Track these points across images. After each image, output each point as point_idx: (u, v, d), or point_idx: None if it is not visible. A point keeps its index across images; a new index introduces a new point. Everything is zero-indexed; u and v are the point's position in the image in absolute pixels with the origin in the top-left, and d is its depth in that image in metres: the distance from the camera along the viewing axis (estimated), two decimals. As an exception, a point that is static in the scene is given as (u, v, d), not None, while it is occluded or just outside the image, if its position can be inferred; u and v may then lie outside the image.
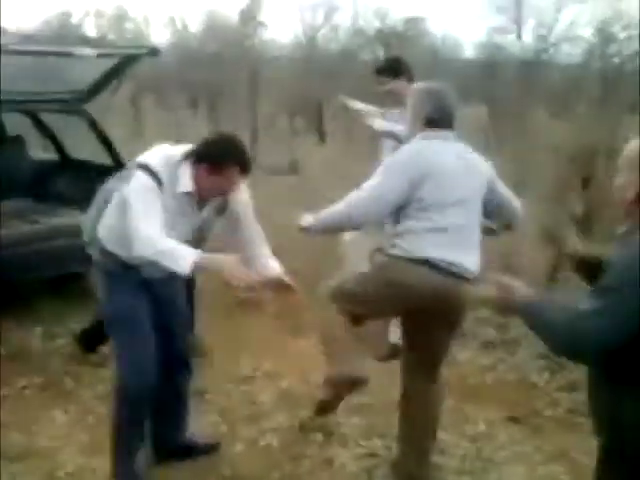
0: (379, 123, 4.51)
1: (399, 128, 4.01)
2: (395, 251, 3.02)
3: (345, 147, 16.23)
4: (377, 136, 4.68)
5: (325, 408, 3.25)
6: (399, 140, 3.97)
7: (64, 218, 5.53)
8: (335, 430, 3.75)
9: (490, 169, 3.19)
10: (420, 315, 3.09)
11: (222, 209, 3.09)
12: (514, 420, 3.92)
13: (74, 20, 22.31)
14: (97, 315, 4.01)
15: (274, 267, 3.06)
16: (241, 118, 17.57)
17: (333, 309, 3.08)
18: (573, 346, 1.96)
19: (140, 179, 2.86)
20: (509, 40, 21.69)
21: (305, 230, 3.21)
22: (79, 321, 4.89)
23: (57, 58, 5.31)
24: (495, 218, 3.26)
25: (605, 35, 20.17)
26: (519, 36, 20.88)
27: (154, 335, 3.12)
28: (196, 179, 2.91)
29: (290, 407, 3.97)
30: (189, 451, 3.44)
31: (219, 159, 2.87)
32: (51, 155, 6.41)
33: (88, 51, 5.09)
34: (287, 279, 3.00)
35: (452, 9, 36.80)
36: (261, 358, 4.58)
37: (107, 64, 5.61)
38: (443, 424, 3.41)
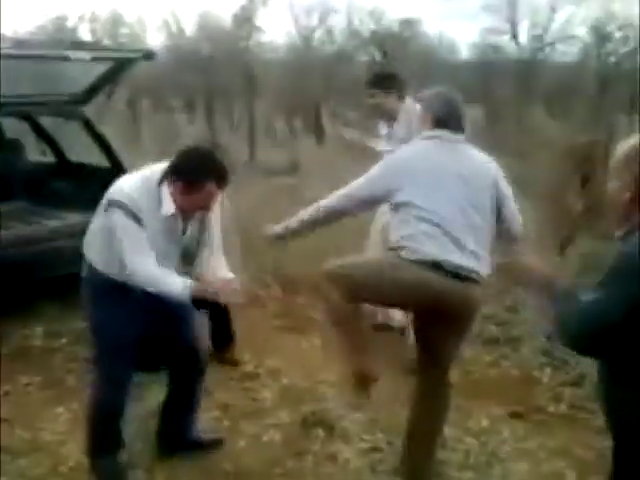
0: (380, 144, 4.60)
1: (398, 145, 4.02)
2: (400, 253, 3.00)
3: (343, 147, 16.28)
4: (380, 156, 4.72)
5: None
6: None
7: (62, 220, 5.53)
8: (337, 425, 3.75)
9: (495, 169, 3.17)
10: (429, 318, 3.10)
11: (203, 226, 3.07)
12: (517, 416, 3.92)
13: (69, 24, 22.29)
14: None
15: (226, 274, 3.05)
16: (238, 120, 17.61)
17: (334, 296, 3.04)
18: (576, 334, 1.99)
19: (117, 219, 2.85)
20: (504, 40, 21.70)
21: (276, 236, 3.31)
22: (80, 320, 4.89)
23: (53, 62, 5.30)
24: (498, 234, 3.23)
25: (601, 35, 20.24)
26: (514, 36, 20.88)
27: (133, 355, 3.17)
28: (175, 198, 2.87)
29: (292, 403, 3.97)
30: (193, 447, 3.45)
31: (195, 177, 2.82)
32: (49, 158, 6.41)
33: (84, 55, 5.10)
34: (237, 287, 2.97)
35: (446, 10, 36.88)
36: (263, 355, 4.58)
37: (102, 68, 5.62)
38: (446, 419, 3.40)
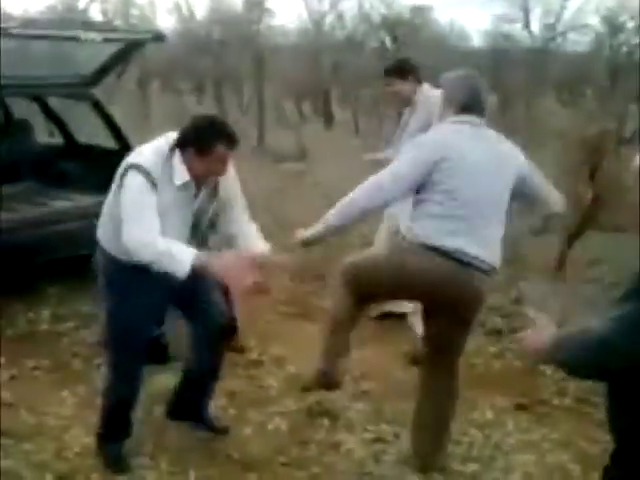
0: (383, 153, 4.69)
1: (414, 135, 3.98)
2: (409, 235, 3.01)
3: (352, 133, 16.24)
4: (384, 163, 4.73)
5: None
6: None
7: (70, 201, 5.53)
8: (342, 415, 3.75)
9: (522, 160, 3.13)
10: (435, 307, 3.09)
11: (214, 193, 3.06)
12: (521, 408, 3.92)
13: (80, 4, 22.22)
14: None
15: (261, 246, 3.08)
16: (247, 104, 17.58)
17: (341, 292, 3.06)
18: (600, 361, 1.85)
19: (132, 180, 2.84)
20: (516, 28, 21.55)
21: (308, 241, 3.18)
22: (86, 304, 4.91)
23: (63, 42, 5.28)
24: (532, 211, 3.24)
25: (613, 25, 20.08)
26: (526, 24, 20.73)
27: (146, 344, 3.21)
28: (188, 166, 2.89)
29: (298, 391, 3.96)
30: (202, 426, 3.47)
31: (206, 141, 2.86)
32: (57, 139, 6.40)
33: (94, 35, 5.07)
34: (275, 258, 3.06)
35: (458, -3, 36.58)
36: (269, 343, 4.59)
37: (113, 49, 5.60)
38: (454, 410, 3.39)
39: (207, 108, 18.06)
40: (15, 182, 5.77)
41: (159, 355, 4.12)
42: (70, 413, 3.72)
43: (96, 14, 22.73)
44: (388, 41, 21.38)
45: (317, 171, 9.75)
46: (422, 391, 3.27)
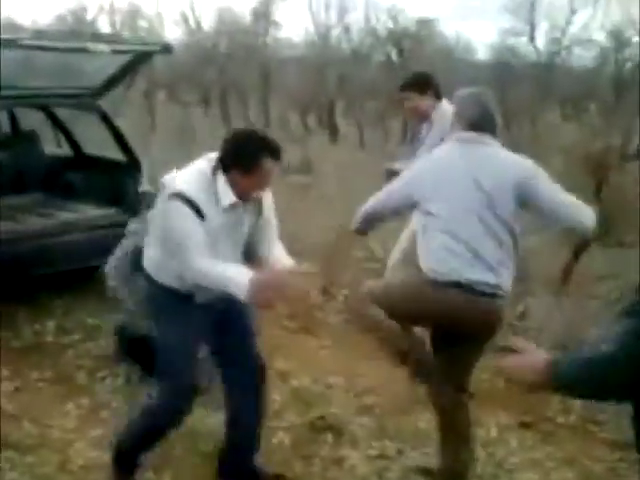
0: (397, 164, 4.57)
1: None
2: (426, 272, 3.00)
3: (357, 146, 16.27)
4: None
5: None
6: None
7: (77, 213, 5.55)
8: (346, 430, 3.75)
9: (526, 173, 3.04)
10: (452, 335, 3.08)
11: (259, 209, 2.97)
12: (526, 426, 3.91)
13: (88, 16, 22.38)
14: None
15: (287, 261, 2.99)
16: (252, 116, 17.64)
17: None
18: (604, 379, 1.82)
19: (176, 210, 2.75)
20: (521, 42, 21.61)
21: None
22: (92, 316, 4.92)
23: (71, 54, 5.31)
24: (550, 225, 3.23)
25: (619, 40, 20.13)
26: (532, 38, 20.80)
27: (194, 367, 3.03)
28: (234, 186, 2.80)
29: (302, 406, 3.97)
30: (256, 478, 3.27)
31: (250, 158, 2.77)
32: (64, 150, 6.43)
33: (102, 47, 5.09)
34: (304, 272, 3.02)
35: (463, 10, 36.74)
36: (273, 357, 4.57)
37: (120, 60, 5.62)
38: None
39: (213, 120, 18.12)
40: (21, 193, 5.79)
41: None
42: (74, 426, 3.72)
43: (104, 25, 22.88)
44: (394, 54, 21.47)
45: (322, 184, 9.77)
46: (445, 411, 3.24)
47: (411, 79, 4.57)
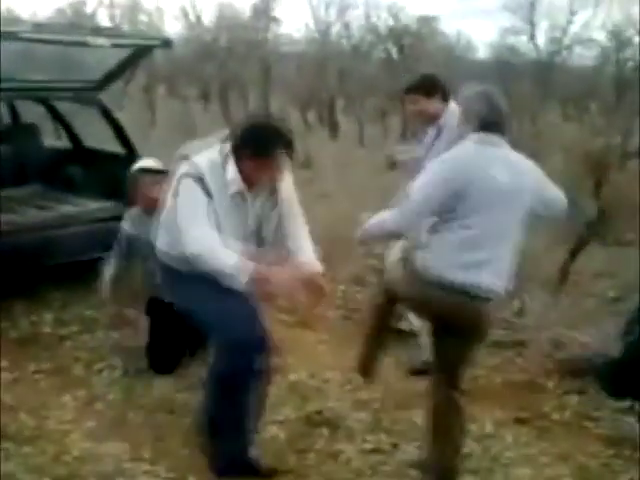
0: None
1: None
2: (425, 267, 2.97)
3: (357, 142, 16.27)
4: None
5: None
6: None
7: (76, 206, 5.56)
8: (341, 424, 3.75)
9: (537, 178, 3.06)
10: (449, 330, 3.09)
11: (274, 200, 2.96)
12: (521, 422, 3.91)
13: (88, 9, 22.35)
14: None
15: (314, 265, 2.96)
16: (253, 111, 17.61)
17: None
18: None
19: (186, 187, 2.79)
20: (522, 41, 21.63)
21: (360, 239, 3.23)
22: (89, 308, 4.93)
23: (71, 47, 5.31)
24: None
25: (620, 39, 20.14)
26: (532, 37, 20.80)
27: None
28: (245, 172, 2.80)
29: (298, 400, 3.97)
30: (252, 470, 3.21)
31: (264, 146, 2.76)
32: (64, 143, 6.43)
33: (102, 41, 5.10)
34: (322, 281, 2.91)
35: (464, 8, 36.73)
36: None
37: (120, 54, 5.62)
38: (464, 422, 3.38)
39: (213, 115, 18.11)
40: (21, 185, 5.80)
41: (168, 365, 4.14)
42: (70, 417, 3.72)
43: (104, 19, 22.86)
44: (394, 52, 21.47)
45: (323, 180, 9.77)
46: (430, 404, 3.26)
47: (417, 81, 4.33)
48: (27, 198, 5.67)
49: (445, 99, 4.22)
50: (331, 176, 10.14)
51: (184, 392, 3.92)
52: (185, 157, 2.91)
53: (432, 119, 4.24)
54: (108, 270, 4.21)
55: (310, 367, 4.37)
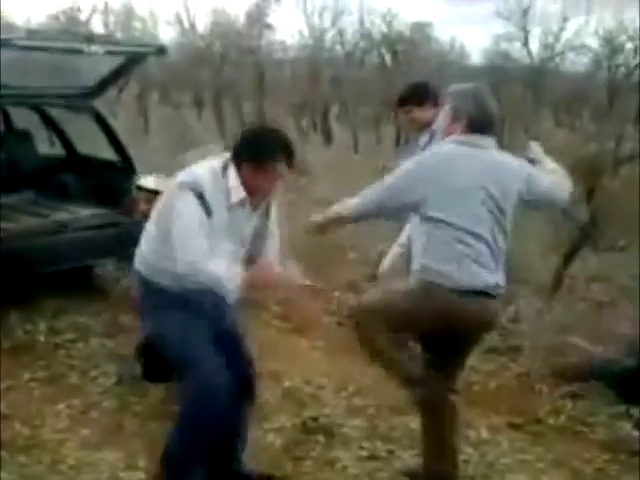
0: None
1: None
2: (421, 275, 2.96)
3: (351, 149, 16.30)
4: None
5: None
6: None
7: (70, 213, 5.54)
8: (337, 432, 3.75)
9: (524, 172, 3.05)
10: (448, 339, 3.07)
11: (267, 213, 2.93)
12: (516, 427, 3.92)
13: (81, 16, 22.34)
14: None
15: (293, 273, 2.89)
16: (246, 118, 17.61)
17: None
18: None
19: (184, 201, 2.70)
20: (515, 47, 21.71)
21: (316, 226, 3.18)
22: (83, 316, 4.91)
23: (65, 54, 5.31)
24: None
25: (612, 46, 20.24)
26: (525, 43, 20.88)
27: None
28: (245, 181, 2.75)
29: (293, 407, 3.97)
30: None
31: (267, 156, 2.72)
32: (57, 150, 6.42)
33: (97, 48, 5.10)
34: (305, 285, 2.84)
35: (458, 15, 36.89)
36: (265, 358, 4.58)
37: (114, 61, 5.63)
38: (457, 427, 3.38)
39: (206, 122, 18.12)
40: (14, 192, 5.78)
41: (164, 374, 4.11)
42: (65, 426, 3.71)
43: (97, 25, 22.85)
44: (388, 58, 21.52)
45: (318, 187, 9.79)
46: (424, 409, 3.25)
47: (408, 92, 4.42)
48: (20, 205, 5.65)
49: (436, 104, 4.24)
50: (326, 183, 10.16)
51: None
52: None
53: (426, 126, 4.27)
54: None
55: (305, 374, 4.37)
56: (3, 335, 4.66)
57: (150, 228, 2.95)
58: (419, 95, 4.33)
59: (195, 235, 2.69)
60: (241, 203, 2.79)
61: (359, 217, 3.17)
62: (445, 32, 43.54)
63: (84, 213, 5.53)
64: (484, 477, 3.45)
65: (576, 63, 21.97)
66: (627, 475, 3.49)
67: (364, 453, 3.58)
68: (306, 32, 22.39)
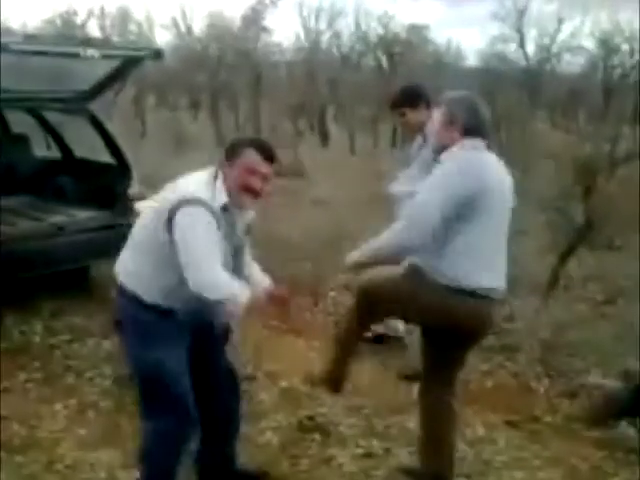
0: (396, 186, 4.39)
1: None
2: (434, 274, 2.94)
3: (348, 150, 16.32)
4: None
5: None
6: None
7: (67, 216, 5.55)
8: (334, 430, 3.76)
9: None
10: (447, 338, 3.09)
11: (249, 227, 2.92)
12: (513, 425, 3.93)
13: (78, 19, 22.36)
14: None
15: (265, 281, 2.94)
16: (243, 121, 17.65)
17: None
18: None
19: (198, 216, 2.63)
20: (511, 49, 21.78)
21: (352, 267, 3.14)
22: (79, 317, 4.92)
23: (62, 58, 5.32)
24: None
25: (608, 47, 20.29)
26: (521, 45, 20.94)
27: (191, 397, 2.83)
28: (226, 183, 2.74)
29: (290, 406, 3.98)
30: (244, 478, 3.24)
31: (236, 148, 2.76)
32: (54, 153, 6.43)
33: (93, 52, 5.10)
34: (279, 290, 2.83)
35: (454, 17, 36.95)
36: (261, 358, 4.60)
37: (110, 65, 5.64)
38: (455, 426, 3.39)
39: (203, 124, 18.14)
40: (12, 195, 5.79)
41: None
42: (62, 426, 3.71)
43: (94, 29, 22.87)
44: (384, 60, 21.56)
45: (315, 187, 9.80)
46: (422, 407, 3.26)
47: (400, 95, 4.41)
48: (18, 208, 5.66)
49: (429, 106, 4.26)
50: (323, 183, 10.18)
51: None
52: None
53: (420, 128, 4.31)
54: None
55: (301, 373, 4.37)
56: (0, 338, 4.68)
57: (135, 247, 2.85)
58: (412, 98, 4.33)
59: (212, 250, 2.64)
60: (228, 213, 2.75)
61: (419, 246, 2.94)
62: (441, 34, 43.63)
63: (81, 216, 5.54)
64: (481, 474, 3.46)
65: (572, 64, 22.06)
66: (623, 472, 3.51)
67: (360, 451, 3.59)
68: (302, 35, 22.46)
